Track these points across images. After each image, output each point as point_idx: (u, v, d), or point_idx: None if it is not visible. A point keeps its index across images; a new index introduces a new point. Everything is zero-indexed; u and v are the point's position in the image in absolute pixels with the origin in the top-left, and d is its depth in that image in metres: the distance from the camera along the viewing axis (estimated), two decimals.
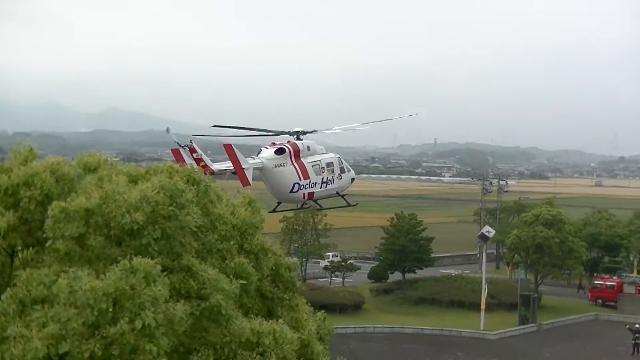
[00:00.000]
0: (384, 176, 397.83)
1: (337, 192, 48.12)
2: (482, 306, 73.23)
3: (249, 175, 41.02)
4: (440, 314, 70.70)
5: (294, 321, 16.14)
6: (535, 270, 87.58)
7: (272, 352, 13.85)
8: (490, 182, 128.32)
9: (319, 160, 45.71)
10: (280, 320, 14.71)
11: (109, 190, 13.97)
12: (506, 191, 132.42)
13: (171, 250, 14.08)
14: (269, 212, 45.72)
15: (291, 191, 44.77)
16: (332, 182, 46.34)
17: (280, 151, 44.11)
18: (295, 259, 17.42)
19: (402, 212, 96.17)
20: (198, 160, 38.99)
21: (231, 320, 14.03)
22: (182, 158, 38.64)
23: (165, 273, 13.45)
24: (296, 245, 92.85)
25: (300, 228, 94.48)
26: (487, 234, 79.75)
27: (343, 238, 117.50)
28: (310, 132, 48.70)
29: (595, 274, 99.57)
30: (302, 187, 44.89)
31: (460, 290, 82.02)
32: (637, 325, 69.09)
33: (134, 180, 15.02)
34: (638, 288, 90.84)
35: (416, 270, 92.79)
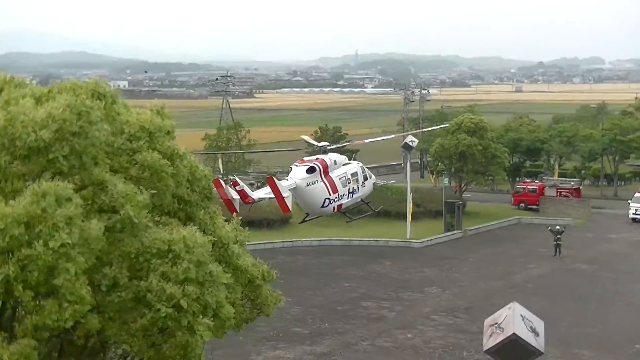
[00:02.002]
0: (306, 89, 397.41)
1: (361, 199, 50.20)
2: (408, 215, 74.01)
3: (289, 202, 44.25)
4: (367, 225, 71.18)
5: (210, 225, 16.00)
6: (459, 178, 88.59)
7: (184, 258, 13.71)
8: (413, 92, 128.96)
9: (345, 172, 48.54)
10: (193, 227, 14.54)
11: (13, 111, 13.60)
12: (428, 100, 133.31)
13: (82, 166, 13.78)
14: (299, 223, 48.75)
15: (322, 206, 47.57)
16: (358, 191, 49.53)
17: (311, 170, 46.60)
18: (209, 169, 17.17)
19: (326, 125, 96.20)
20: (241, 192, 42.68)
21: (144, 231, 13.85)
22: (222, 186, 42.04)
23: (78, 190, 13.18)
24: (220, 163, 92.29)
25: (224, 145, 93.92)
26: (410, 143, 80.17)
27: (268, 154, 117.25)
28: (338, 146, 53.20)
29: (517, 179, 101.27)
30: (332, 202, 48.11)
31: (386, 201, 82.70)
32: (557, 227, 70.62)
33: (37, 99, 14.61)
34: (559, 191, 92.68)
35: None
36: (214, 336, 14.23)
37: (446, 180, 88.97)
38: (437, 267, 64.67)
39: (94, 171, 13.97)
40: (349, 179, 49.76)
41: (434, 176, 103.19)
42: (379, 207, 53.80)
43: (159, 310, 13.42)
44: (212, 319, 13.97)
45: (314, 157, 49.23)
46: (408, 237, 72.84)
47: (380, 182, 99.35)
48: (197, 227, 14.87)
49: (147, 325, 13.65)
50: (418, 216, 78.70)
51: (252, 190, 46.24)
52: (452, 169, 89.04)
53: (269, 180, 44.17)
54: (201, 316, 13.76)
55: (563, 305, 53.36)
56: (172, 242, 13.93)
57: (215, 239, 15.06)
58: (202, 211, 16.34)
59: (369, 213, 52.23)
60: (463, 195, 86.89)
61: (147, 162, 14.91)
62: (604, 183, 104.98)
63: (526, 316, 16.79)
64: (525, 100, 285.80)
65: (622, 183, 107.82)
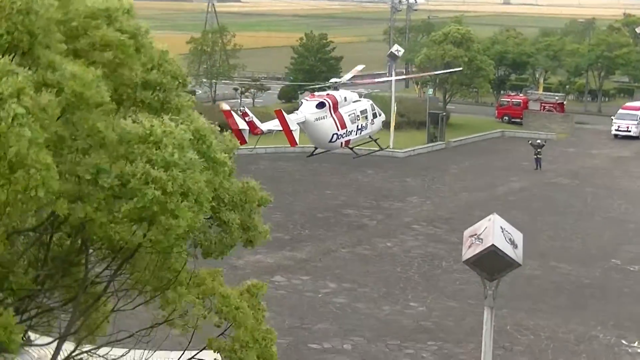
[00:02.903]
0: None
1: (369, 136, 50.11)
2: (392, 125, 73.90)
3: (296, 135, 45.53)
4: None
5: (190, 117, 15.71)
6: (444, 89, 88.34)
7: (167, 142, 13.58)
8: (400, 1, 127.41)
9: (354, 109, 48.94)
10: (168, 116, 14.32)
11: None
12: (415, 10, 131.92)
13: (30, 46, 13.39)
14: (307, 156, 48.55)
15: (330, 141, 48.33)
16: (366, 128, 50.05)
17: (320, 105, 47.32)
18: (166, 46, 16.60)
19: (311, 31, 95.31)
20: (250, 124, 43.92)
21: (110, 112, 13.64)
22: (233, 117, 43.72)
23: (27, 69, 12.81)
24: (205, 67, 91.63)
25: (208, 49, 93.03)
26: (396, 52, 79.73)
27: (252, 58, 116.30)
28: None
29: (502, 92, 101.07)
30: (340, 137, 48.64)
31: None
32: (539, 141, 70.85)
33: None
34: (543, 105, 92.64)
35: (326, 90, 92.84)
36: (192, 223, 14.15)
37: (430, 91, 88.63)
38: (420, 177, 64.94)
39: (42, 52, 13.53)
40: (358, 115, 50.39)
41: (418, 87, 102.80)
42: (386, 146, 54.19)
43: (145, 193, 13.31)
44: (193, 203, 13.93)
45: (324, 93, 49.63)
46: (391, 146, 72.86)
47: (364, 91, 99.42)
48: (172, 116, 14.57)
49: (132, 210, 13.56)
50: (402, 126, 78.67)
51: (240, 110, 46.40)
52: (437, 80, 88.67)
53: (277, 113, 44.58)
54: (183, 200, 13.73)
55: (543, 219, 53.81)
56: (154, 128, 13.71)
57: (194, 129, 14.79)
58: (177, 99, 15.95)
59: (376, 150, 52.65)
60: (447, 107, 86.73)
61: (106, 40, 14.40)
62: (588, 98, 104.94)
63: (506, 228, 16.87)
64: (514, 12, 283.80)
65: (606, 99, 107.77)
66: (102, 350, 18.00)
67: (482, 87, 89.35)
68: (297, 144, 45.44)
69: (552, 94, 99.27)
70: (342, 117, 48.72)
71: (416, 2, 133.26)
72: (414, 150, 74.00)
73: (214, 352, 17.36)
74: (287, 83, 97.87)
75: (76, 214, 13.51)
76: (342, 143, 49.43)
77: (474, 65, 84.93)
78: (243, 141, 44.53)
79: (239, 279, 38.15)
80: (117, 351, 18.82)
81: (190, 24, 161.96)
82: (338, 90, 49.83)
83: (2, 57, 12.69)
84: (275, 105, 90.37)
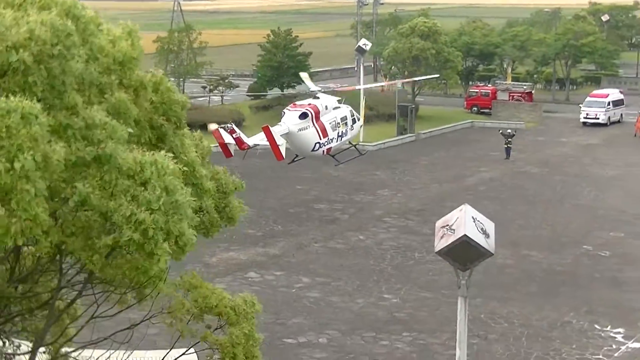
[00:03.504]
0: None
1: (349, 142, 50.96)
2: (362, 118, 73.91)
3: (283, 150, 46.03)
4: None
5: (180, 147, 15.79)
6: (413, 82, 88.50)
7: (155, 183, 13.53)
8: None
9: (335, 117, 49.98)
10: (162, 152, 14.31)
11: None
12: (382, 4, 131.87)
13: (53, 89, 13.35)
14: (288, 162, 49.32)
15: (313, 150, 50.13)
16: (346, 134, 51.14)
17: (303, 115, 49.19)
18: (185, 96, 16.78)
19: (278, 28, 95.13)
20: (237, 140, 44.99)
21: (115, 158, 13.64)
22: (220, 133, 44.96)
23: (46, 112, 12.81)
24: (172, 65, 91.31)
25: (175, 48, 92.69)
26: (364, 46, 79.86)
27: (220, 56, 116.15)
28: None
29: (470, 83, 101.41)
30: (322, 145, 50.96)
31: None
32: (509, 131, 71.21)
33: (11, 5, 13.96)
34: (511, 95, 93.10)
35: (295, 86, 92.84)
36: (173, 259, 14.24)
37: (399, 84, 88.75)
38: (390, 170, 65.09)
39: (67, 96, 13.51)
40: (338, 123, 51.25)
41: (387, 80, 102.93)
42: (365, 151, 54.88)
43: (124, 233, 13.28)
44: (173, 246, 13.92)
45: (306, 102, 50.30)
46: (361, 139, 72.86)
47: (333, 87, 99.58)
48: (167, 151, 14.60)
49: (110, 245, 13.55)
50: (371, 119, 78.76)
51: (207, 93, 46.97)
52: (406, 73, 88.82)
53: (264, 129, 45.58)
54: (163, 242, 13.69)
55: (513, 208, 54.13)
56: (144, 165, 13.64)
57: (185, 163, 14.93)
58: (173, 134, 16.00)
59: (356, 156, 53.61)
60: (416, 99, 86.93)
61: (113, 102, 14.48)
62: (556, 87, 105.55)
63: (477, 218, 16.99)
64: (480, 4, 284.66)
65: (574, 87, 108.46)
66: (79, 353, 18.00)
67: (450, 78, 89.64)
68: (283, 158, 46.27)
69: (520, 83, 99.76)
70: (323, 125, 49.69)
71: None
72: (384, 143, 74.14)
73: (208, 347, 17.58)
74: (255, 80, 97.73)
75: (52, 238, 13.48)
76: (323, 151, 50.16)
77: (441, 57, 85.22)
78: (229, 154, 45.97)
79: (212, 276, 38.37)
80: (95, 352, 18.83)
81: (156, 23, 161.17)
82: (319, 98, 50.51)
83: (26, 96, 12.64)
84: (245, 103, 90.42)
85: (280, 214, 52.46)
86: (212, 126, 47.57)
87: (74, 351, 17.91)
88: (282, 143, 46.54)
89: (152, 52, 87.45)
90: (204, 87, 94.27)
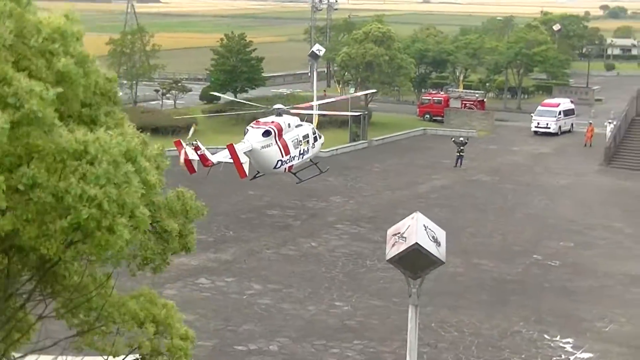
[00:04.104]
0: None
1: (310, 160, 51.42)
2: (314, 124, 73.84)
3: (246, 168, 46.38)
4: None
5: (119, 132, 15.57)
6: (366, 88, 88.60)
7: (102, 158, 13.44)
8: (320, 0, 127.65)
9: (297, 135, 50.80)
10: (102, 129, 14.18)
11: None
12: (336, 9, 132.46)
13: None
14: (250, 179, 49.56)
15: (275, 167, 50.66)
16: (308, 152, 52.20)
17: (266, 133, 49.49)
18: (114, 74, 16.58)
19: (232, 32, 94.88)
20: (201, 156, 45.64)
21: (53, 129, 13.38)
22: (183, 147, 45.31)
23: None
24: (125, 68, 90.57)
25: (128, 50, 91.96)
26: (317, 52, 79.67)
27: (173, 59, 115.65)
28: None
29: (423, 90, 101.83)
30: (284, 163, 51.08)
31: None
32: (461, 139, 71.53)
33: None
34: (463, 102, 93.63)
35: (248, 90, 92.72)
36: (130, 237, 14.06)
37: (352, 90, 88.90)
38: (342, 176, 65.06)
39: None
40: (300, 141, 52.00)
41: (340, 86, 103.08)
42: (327, 169, 55.65)
43: (80, 211, 13.15)
44: (129, 219, 13.83)
45: (269, 120, 50.93)
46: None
47: (286, 91, 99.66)
48: (103, 129, 14.43)
49: (66, 228, 13.37)
50: (323, 125, 78.61)
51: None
52: (359, 79, 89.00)
53: (229, 147, 46.35)
54: (119, 216, 13.60)
55: (464, 216, 54.30)
56: (87, 143, 13.53)
57: (129, 143, 14.66)
58: (105, 115, 15.81)
59: (317, 174, 54.38)
60: (369, 106, 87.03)
61: (61, 68, 14.26)
62: (507, 96, 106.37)
63: (429, 226, 16.93)
64: (434, 11, 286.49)
65: (526, 96, 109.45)
66: (28, 359, 17.69)
67: (403, 85, 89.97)
68: (246, 176, 46.83)
69: (472, 91, 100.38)
70: (286, 143, 50.79)
71: (337, 1, 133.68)
72: (336, 149, 74.12)
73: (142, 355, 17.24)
74: (208, 84, 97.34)
75: (4, 226, 13.26)
76: (285, 169, 51.12)
77: (394, 64, 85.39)
78: (193, 171, 46.61)
79: (163, 281, 37.93)
80: (42, 358, 18.50)
81: (109, 25, 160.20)
82: (282, 116, 51.30)
83: None
84: (197, 106, 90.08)
85: (232, 219, 52.15)
86: (190, 131, 48.34)
87: (21, 357, 17.59)
88: (245, 161, 46.98)
89: (105, 54, 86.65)
90: (157, 91, 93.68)
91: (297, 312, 37.58)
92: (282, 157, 50.68)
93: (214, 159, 47.02)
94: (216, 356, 32.82)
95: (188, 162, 45.93)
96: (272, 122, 50.87)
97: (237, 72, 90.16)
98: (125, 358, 17.75)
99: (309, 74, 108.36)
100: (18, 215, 13.43)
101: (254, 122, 52.25)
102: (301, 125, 53.37)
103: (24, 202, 13.39)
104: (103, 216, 13.30)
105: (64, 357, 18.96)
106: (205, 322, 35.35)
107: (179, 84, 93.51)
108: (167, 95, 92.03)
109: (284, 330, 35.45)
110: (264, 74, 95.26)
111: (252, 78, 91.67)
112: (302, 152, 52.70)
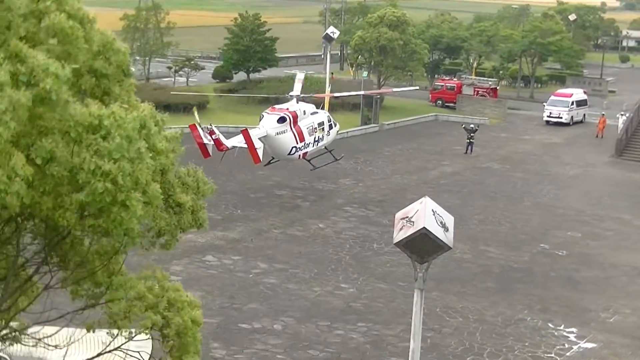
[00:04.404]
0: None
1: (325, 147, 51.53)
2: (325, 106, 73.78)
3: (260, 153, 46.72)
4: None
5: (130, 103, 15.57)
6: (379, 72, 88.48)
7: (115, 133, 13.47)
8: None
9: (312, 122, 51.24)
10: (117, 103, 14.16)
11: None
12: None
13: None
14: (264, 164, 49.79)
15: (289, 153, 51.17)
16: (322, 139, 52.30)
17: (282, 120, 49.92)
18: (125, 47, 16.35)
19: (246, 11, 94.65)
20: (216, 141, 45.81)
21: (66, 106, 13.36)
22: (198, 132, 45.49)
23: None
24: (138, 44, 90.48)
25: (142, 26, 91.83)
26: (331, 34, 79.52)
27: (186, 37, 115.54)
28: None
29: (436, 76, 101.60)
30: (298, 150, 51.35)
31: (304, 91, 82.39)
32: (472, 126, 71.40)
33: None
34: (476, 90, 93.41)
35: (261, 71, 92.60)
36: (143, 213, 14.12)
37: (365, 74, 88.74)
38: (352, 159, 65.03)
39: (10, 40, 13.26)
40: (315, 128, 52.24)
41: (353, 69, 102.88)
42: (341, 156, 55.90)
43: (96, 186, 13.20)
44: (142, 195, 13.88)
45: (285, 107, 51.12)
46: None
47: (302, 73, 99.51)
48: (118, 104, 14.38)
49: (83, 201, 13.42)
50: (335, 108, 78.52)
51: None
52: (372, 63, 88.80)
53: (243, 132, 46.36)
54: (133, 191, 13.65)
55: (473, 203, 54.28)
56: (102, 117, 13.54)
57: (140, 115, 14.61)
58: (119, 87, 15.76)
59: (331, 162, 54.50)
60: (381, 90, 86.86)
61: (56, 26, 13.97)
62: (521, 84, 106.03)
63: (437, 211, 16.94)
64: None
65: (539, 85, 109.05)
66: (33, 329, 17.79)
67: (416, 70, 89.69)
68: (260, 161, 47.09)
69: (485, 79, 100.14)
70: (301, 130, 51.12)
71: None
72: (347, 132, 74.00)
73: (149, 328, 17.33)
74: (221, 63, 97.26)
75: (25, 199, 13.28)
76: (299, 155, 51.43)
77: (408, 49, 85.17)
78: (207, 155, 46.74)
79: (169, 257, 38.06)
80: (48, 330, 18.61)
81: (123, 1, 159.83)
82: (298, 103, 51.63)
83: None
84: (210, 85, 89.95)
85: (240, 198, 52.22)
86: (195, 116, 48.00)
87: (26, 328, 17.68)
88: (259, 146, 47.19)
89: (118, 29, 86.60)
90: (170, 68, 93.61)
91: (302, 293, 37.67)
92: (297, 143, 51.00)
93: (228, 143, 47.22)
94: (220, 333, 32.95)
95: (202, 145, 46.13)
96: (287, 108, 51.17)
97: (250, 52, 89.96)
98: (130, 333, 17.86)
99: (323, 56, 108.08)
100: (36, 187, 13.48)
101: (270, 108, 52.53)
102: (317, 112, 53.57)
103: (41, 175, 13.44)
104: (118, 190, 13.35)
105: (69, 328, 19.09)
106: (210, 300, 35.45)
107: (192, 62, 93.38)
108: (180, 72, 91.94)
109: (288, 310, 35.54)
110: (277, 55, 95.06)
111: (265, 58, 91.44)
112: (317, 139, 52.96)
